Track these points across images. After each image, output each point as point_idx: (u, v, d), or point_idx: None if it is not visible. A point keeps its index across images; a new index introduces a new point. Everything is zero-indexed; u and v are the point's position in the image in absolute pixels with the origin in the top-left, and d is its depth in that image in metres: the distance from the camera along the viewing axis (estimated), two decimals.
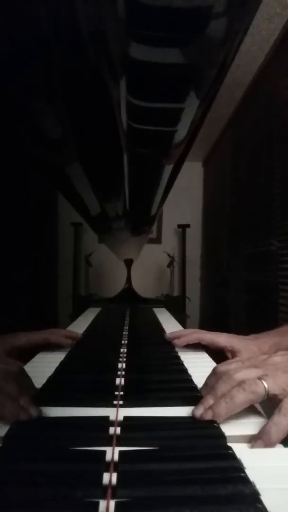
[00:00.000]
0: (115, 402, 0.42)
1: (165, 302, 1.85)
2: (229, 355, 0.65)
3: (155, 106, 0.38)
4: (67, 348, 0.70)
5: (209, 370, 0.57)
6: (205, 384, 0.43)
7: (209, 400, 0.37)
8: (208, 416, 0.35)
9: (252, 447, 0.32)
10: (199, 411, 0.37)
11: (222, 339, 0.66)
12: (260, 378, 0.36)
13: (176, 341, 0.70)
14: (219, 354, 0.66)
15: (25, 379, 0.44)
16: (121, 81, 0.33)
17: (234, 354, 0.63)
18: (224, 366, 0.42)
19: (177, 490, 0.25)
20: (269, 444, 0.32)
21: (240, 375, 0.38)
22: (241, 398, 0.35)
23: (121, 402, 0.41)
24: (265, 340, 0.65)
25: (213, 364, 0.62)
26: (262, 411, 0.39)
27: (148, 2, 0.23)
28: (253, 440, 0.33)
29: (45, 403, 0.40)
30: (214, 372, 0.43)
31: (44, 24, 0.27)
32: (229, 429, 0.34)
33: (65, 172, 0.63)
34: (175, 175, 0.65)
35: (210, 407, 0.36)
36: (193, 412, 0.37)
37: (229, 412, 0.35)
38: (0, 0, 0.24)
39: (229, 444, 0.31)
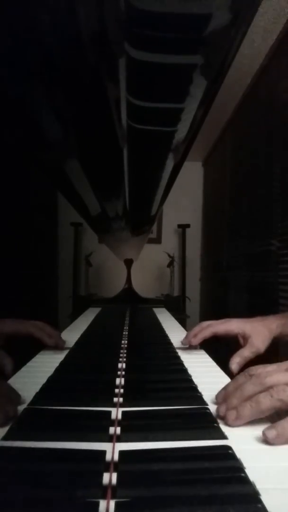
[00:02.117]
0: (115, 402, 0.42)
1: (165, 302, 1.85)
2: (241, 340, 0.67)
3: (155, 106, 0.38)
4: (67, 348, 0.70)
5: (209, 370, 0.58)
6: (235, 380, 0.41)
7: (233, 400, 0.37)
8: (232, 416, 0.35)
9: (264, 435, 0.32)
10: (223, 409, 0.37)
11: (234, 326, 0.68)
12: None
13: (192, 341, 0.70)
14: (231, 341, 0.69)
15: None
16: (121, 80, 0.33)
17: (245, 338, 0.66)
18: (260, 369, 0.40)
19: (177, 490, 0.25)
20: (281, 437, 0.32)
21: (271, 380, 0.36)
22: (267, 404, 0.34)
23: (121, 402, 0.41)
24: (272, 320, 0.69)
25: (213, 364, 0.62)
26: None
27: (148, 3, 0.23)
28: (267, 429, 0.32)
29: (45, 403, 0.40)
30: (247, 371, 0.40)
31: (43, 24, 0.27)
32: (229, 429, 0.34)
33: (65, 172, 0.63)
34: (175, 175, 0.65)
35: (235, 408, 0.35)
36: (217, 409, 0.37)
37: (253, 416, 0.35)
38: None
39: (229, 444, 0.31)
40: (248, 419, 0.35)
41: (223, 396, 0.40)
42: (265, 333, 0.67)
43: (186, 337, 0.72)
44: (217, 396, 0.41)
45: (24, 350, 0.66)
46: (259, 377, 0.37)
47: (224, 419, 0.36)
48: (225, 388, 0.41)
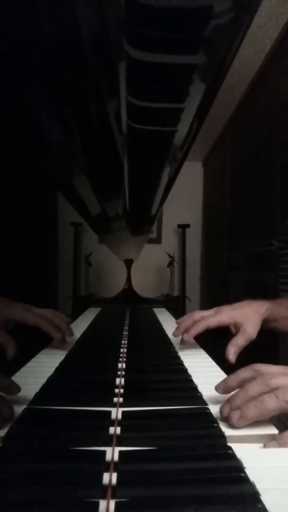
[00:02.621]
0: (115, 402, 0.42)
1: (165, 302, 1.85)
2: (233, 329, 0.68)
3: (155, 106, 0.38)
4: (67, 348, 0.70)
5: (208, 370, 0.58)
6: (237, 373, 0.40)
7: (237, 400, 0.36)
8: (236, 416, 0.34)
9: (265, 446, 0.32)
10: (226, 409, 0.36)
11: (225, 317, 0.68)
12: None
13: (185, 337, 0.68)
14: (223, 331, 0.69)
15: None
16: (121, 81, 0.33)
17: (237, 327, 0.67)
18: (264, 367, 0.38)
19: (177, 490, 0.25)
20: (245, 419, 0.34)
21: (276, 381, 0.35)
22: (273, 404, 0.34)
23: (121, 402, 0.41)
24: (261, 303, 0.71)
25: (213, 364, 0.62)
26: None
27: (148, 2, 0.23)
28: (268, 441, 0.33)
29: (45, 403, 0.40)
30: (251, 367, 0.39)
31: (43, 25, 0.27)
32: (229, 429, 0.34)
33: (65, 172, 0.63)
34: (175, 175, 0.65)
35: (239, 408, 0.35)
36: (220, 409, 0.37)
37: (258, 416, 0.34)
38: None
39: (229, 444, 0.31)
40: (252, 420, 0.34)
41: (223, 388, 0.40)
42: (256, 318, 0.68)
43: (177, 328, 0.71)
44: (217, 387, 0.40)
45: (18, 325, 0.66)
46: (264, 377, 0.36)
47: (227, 419, 0.35)
48: (225, 381, 0.40)
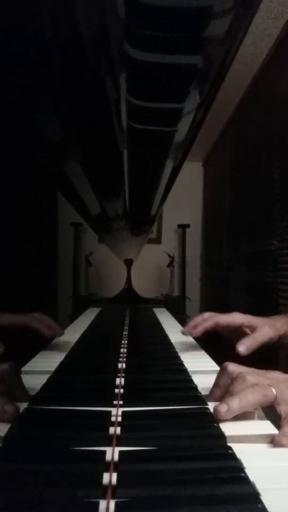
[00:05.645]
0: (115, 402, 0.42)
1: (165, 302, 1.85)
2: (248, 330, 0.64)
3: (155, 106, 0.38)
4: (67, 348, 0.70)
5: (209, 370, 0.58)
6: (217, 384, 0.43)
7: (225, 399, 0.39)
8: (223, 409, 0.36)
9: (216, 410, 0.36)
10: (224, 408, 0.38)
11: (238, 318, 0.65)
12: (270, 385, 0.38)
13: (194, 332, 0.66)
14: (234, 334, 0.66)
15: (13, 379, 0.43)
16: (121, 80, 0.33)
17: (253, 329, 0.63)
18: (236, 366, 0.42)
19: (177, 490, 0.25)
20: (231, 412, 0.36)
21: (254, 379, 0.39)
22: (255, 398, 0.37)
23: (121, 402, 0.41)
24: (278, 318, 0.67)
25: (213, 363, 0.62)
26: (261, 412, 0.39)
27: (148, 2, 0.23)
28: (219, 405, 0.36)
29: (45, 403, 0.40)
30: (225, 371, 0.42)
31: (42, 23, 0.27)
32: (229, 429, 0.34)
33: (65, 172, 0.63)
34: (175, 175, 0.65)
35: (225, 401, 0.37)
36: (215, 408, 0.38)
37: (241, 408, 0.36)
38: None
39: (229, 444, 0.31)
40: (236, 412, 0.36)
41: (213, 402, 0.42)
42: (274, 327, 0.64)
43: (187, 326, 0.69)
44: (208, 400, 0.43)
45: (4, 331, 0.64)
46: (243, 377, 0.39)
47: (215, 413, 0.37)
48: (212, 395, 0.43)
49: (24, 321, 0.65)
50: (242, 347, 0.58)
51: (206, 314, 0.69)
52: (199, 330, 0.66)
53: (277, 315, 0.70)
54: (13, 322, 0.64)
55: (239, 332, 0.65)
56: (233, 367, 0.42)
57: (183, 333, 0.69)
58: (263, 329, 0.62)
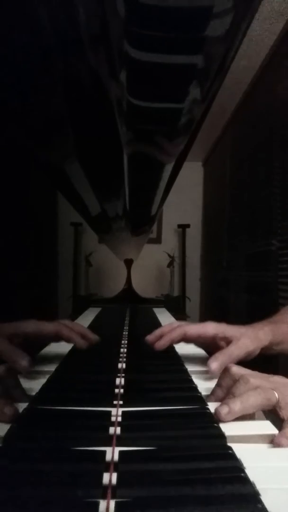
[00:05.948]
0: (115, 402, 0.42)
1: (165, 302, 1.85)
2: (223, 343, 0.56)
3: (155, 106, 0.38)
4: (67, 348, 0.70)
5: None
6: (219, 385, 0.43)
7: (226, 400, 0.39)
8: (224, 410, 0.36)
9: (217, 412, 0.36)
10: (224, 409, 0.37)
11: (210, 328, 0.57)
12: (272, 389, 0.38)
13: (157, 345, 0.57)
14: (209, 346, 0.59)
15: (10, 380, 0.42)
16: (120, 80, 0.33)
17: (228, 341, 0.55)
18: (239, 368, 0.42)
19: (177, 490, 0.25)
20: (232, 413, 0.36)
21: (256, 382, 0.39)
22: (256, 400, 0.37)
23: (121, 402, 0.41)
24: (260, 326, 0.59)
25: None
26: (261, 412, 0.39)
27: (148, 1, 0.23)
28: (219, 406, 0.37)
29: (45, 403, 0.40)
30: (228, 372, 0.42)
31: (42, 23, 0.27)
32: (229, 429, 0.34)
33: (65, 172, 0.63)
34: (175, 175, 0.65)
35: (226, 403, 0.37)
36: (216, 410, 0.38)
37: (242, 411, 0.36)
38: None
39: (229, 444, 0.31)
40: (238, 414, 0.36)
41: (215, 402, 0.42)
42: (252, 338, 0.55)
43: (153, 334, 0.59)
44: (208, 401, 0.43)
45: (31, 339, 0.57)
46: (246, 379, 0.39)
47: (216, 415, 0.37)
48: (214, 394, 0.43)
49: (54, 329, 0.56)
50: (214, 365, 0.50)
51: (175, 323, 0.60)
52: (163, 343, 0.57)
53: (260, 322, 0.61)
54: (41, 330, 0.56)
55: (214, 344, 0.58)
56: (236, 369, 0.42)
57: (147, 340, 0.60)
58: (239, 342, 0.54)
